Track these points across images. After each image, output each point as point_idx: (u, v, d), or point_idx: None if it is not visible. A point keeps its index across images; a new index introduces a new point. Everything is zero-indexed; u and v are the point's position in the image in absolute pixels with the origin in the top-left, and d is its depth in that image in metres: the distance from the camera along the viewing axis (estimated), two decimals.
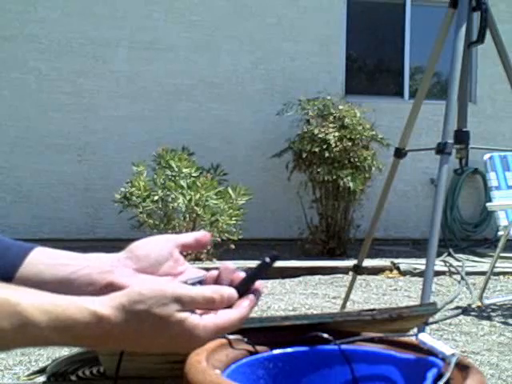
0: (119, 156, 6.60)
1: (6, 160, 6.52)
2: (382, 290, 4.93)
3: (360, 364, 0.78)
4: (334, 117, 6.17)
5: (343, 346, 0.79)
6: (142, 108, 6.72)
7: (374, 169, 6.15)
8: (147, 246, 0.88)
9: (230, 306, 0.73)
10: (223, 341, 0.77)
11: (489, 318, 4.09)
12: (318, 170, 6.02)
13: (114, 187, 5.62)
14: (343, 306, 3.79)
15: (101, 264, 0.86)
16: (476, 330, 3.80)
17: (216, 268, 0.85)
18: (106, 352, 0.83)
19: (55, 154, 6.59)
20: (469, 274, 5.34)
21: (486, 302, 4.42)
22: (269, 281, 5.00)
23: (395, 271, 5.53)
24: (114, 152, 6.66)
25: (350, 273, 4.04)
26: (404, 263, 5.65)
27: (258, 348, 0.78)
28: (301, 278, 5.22)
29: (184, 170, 5.24)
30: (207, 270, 0.88)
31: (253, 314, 0.74)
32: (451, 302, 4.40)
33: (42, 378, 0.98)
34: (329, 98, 6.37)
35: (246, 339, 0.77)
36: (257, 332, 0.79)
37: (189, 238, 0.89)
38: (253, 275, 0.76)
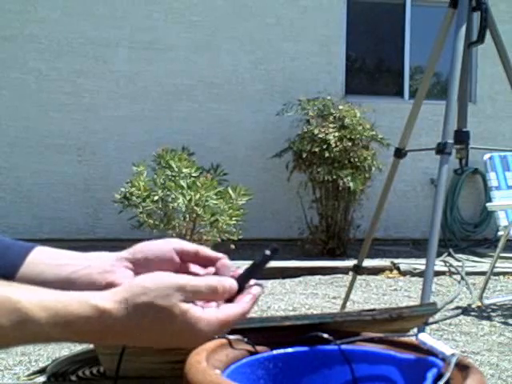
0: (119, 156, 6.60)
1: (5, 160, 6.52)
2: (382, 290, 4.93)
3: (360, 364, 0.78)
4: (334, 117, 6.17)
5: (343, 346, 0.79)
6: (142, 108, 6.72)
7: (374, 169, 6.15)
8: (148, 248, 0.88)
9: (230, 301, 0.73)
10: (223, 341, 0.77)
11: (489, 318, 4.09)
12: (318, 170, 6.02)
13: (113, 187, 5.62)
14: (343, 306, 3.79)
15: (102, 264, 0.86)
16: (476, 330, 3.80)
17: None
18: (106, 352, 0.83)
19: (55, 154, 6.59)
20: (469, 274, 5.35)
21: (486, 302, 4.43)
22: (269, 281, 5.00)
23: (395, 271, 5.53)
24: (114, 152, 6.66)
25: (350, 273, 4.04)
26: (404, 263, 5.65)
27: (258, 348, 0.78)
28: (301, 278, 5.22)
29: (184, 170, 5.23)
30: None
31: (253, 314, 0.74)
32: (451, 302, 4.40)
33: (42, 378, 0.98)
34: (329, 98, 6.37)
35: (245, 339, 0.77)
36: (257, 332, 0.79)
37: (191, 247, 0.89)
38: (253, 268, 0.76)
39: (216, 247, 5.32)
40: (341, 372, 0.78)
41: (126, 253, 0.89)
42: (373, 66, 7.61)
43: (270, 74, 6.94)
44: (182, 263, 0.87)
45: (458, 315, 4.08)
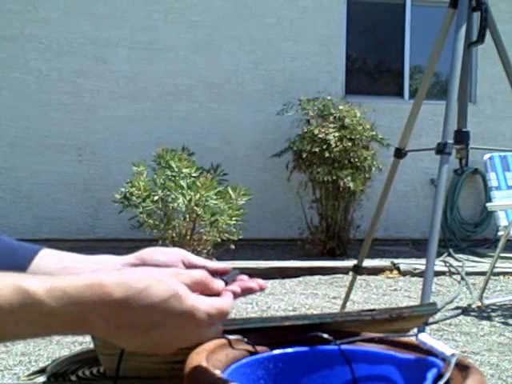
0: (119, 156, 6.60)
1: (5, 160, 6.52)
2: (382, 290, 4.93)
3: (360, 364, 0.78)
4: (334, 117, 6.17)
5: (343, 346, 0.79)
6: (142, 108, 6.72)
7: (374, 169, 6.15)
8: (155, 254, 0.88)
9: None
10: (223, 341, 0.77)
11: (489, 318, 4.09)
12: (318, 170, 6.02)
13: (113, 187, 5.62)
14: (343, 306, 3.79)
15: (108, 268, 0.86)
16: (476, 330, 3.80)
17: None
18: (106, 352, 0.83)
19: (55, 154, 6.59)
20: (469, 274, 5.35)
21: (486, 302, 4.43)
22: (269, 281, 5.01)
23: (395, 271, 5.53)
24: (114, 152, 6.66)
25: (350, 273, 4.04)
26: (404, 263, 5.65)
27: (258, 348, 0.78)
28: (301, 278, 5.22)
29: (184, 170, 5.23)
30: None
31: (253, 314, 0.74)
32: (451, 302, 4.40)
33: (42, 378, 0.98)
34: (329, 98, 6.37)
35: (245, 339, 0.77)
36: (257, 332, 0.79)
37: (199, 261, 0.88)
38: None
39: (216, 247, 5.33)
40: (341, 372, 0.78)
41: (133, 258, 0.89)
42: (373, 65, 7.61)
43: (270, 74, 6.94)
44: None
45: (458, 315, 4.08)
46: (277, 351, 0.78)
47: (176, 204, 5.06)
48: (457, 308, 4.30)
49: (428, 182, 7.16)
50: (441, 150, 2.79)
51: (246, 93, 6.90)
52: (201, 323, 0.69)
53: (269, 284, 4.93)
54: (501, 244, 4.25)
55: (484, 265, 5.54)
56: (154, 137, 6.50)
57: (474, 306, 4.35)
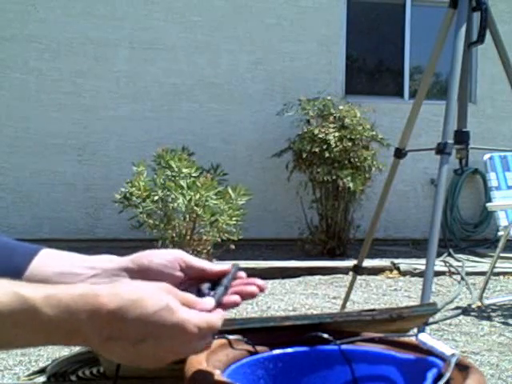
0: (119, 156, 6.60)
1: (5, 160, 6.52)
2: (382, 290, 4.93)
3: (360, 364, 0.78)
4: (334, 117, 6.17)
5: (343, 346, 0.79)
6: (142, 108, 6.72)
7: (374, 169, 6.15)
8: (151, 258, 0.88)
9: None
10: (223, 341, 0.77)
11: (489, 318, 4.09)
12: (318, 170, 6.02)
13: (114, 187, 5.62)
14: (343, 306, 3.79)
15: (106, 274, 0.86)
16: (476, 330, 3.80)
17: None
18: None
19: (55, 154, 6.59)
20: (469, 274, 5.35)
21: (486, 302, 4.43)
22: (269, 281, 5.01)
23: (395, 271, 5.53)
24: (114, 152, 6.66)
25: (350, 273, 4.04)
26: (404, 263, 5.65)
27: (258, 348, 0.78)
28: (301, 278, 5.22)
29: (184, 170, 5.23)
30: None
31: (253, 314, 0.74)
32: (451, 302, 4.40)
33: (42, 378, 0.98)
34: (329, 98, 6.37)
35: (245, 339, 0.77)
36: (257, 332, 0.79)
37: (198, 263, 0.88)
38: (225, 289, 0.82)
39: (216, 247, 5.33)
40: (341, 372, 0.78)
41: (129, 261, 0.88)
42: (373, 66, 7.61)
43: (269, 74, 6.94)
44: (185, 278, 0.87)
45: (458, 315, 4.08)
46: (277, 351, 0.78)
47: (176, 204, 5.06)
48: (457, 308, 4.30)
49: (428, 182, 7.16)
50: (441, 149, 2.79)
51: (246, 93, 6.90)
52: (191, 336, 0.70)
53: (269, 284, 4.93)
54: (501, 244, 4.25)
55: (484, 265, 5.54)
56: (154, 137, 6.50)
57: (473, 306, 4.35)
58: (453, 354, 0.72)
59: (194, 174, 5.24)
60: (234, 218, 5.15)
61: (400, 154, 3.32)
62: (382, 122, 6.60)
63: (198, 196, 5.02)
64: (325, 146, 5.97)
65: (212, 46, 6.85)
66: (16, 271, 0.85)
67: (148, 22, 6.74)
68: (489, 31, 2.96)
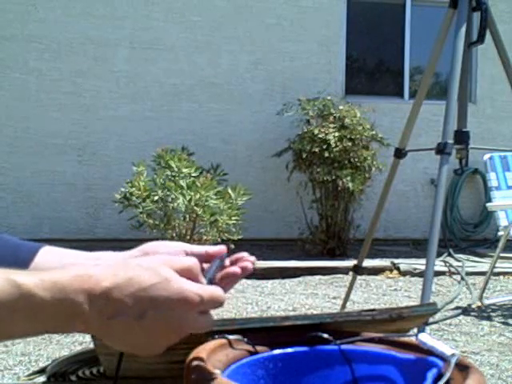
0: (119, 156, 6.60)
1: (5, 160, 6.52)
2: (382, 290, 4.93)
3: (360, 364, 0.78)
4: (334, 117, 6.17)
5: (343, 346, 0.79)
6: (142, 108, 6.72)
7: (373, 169, 6.15)
8: (159, 248, 0.89)
9: None
10: (223, 341, 0.77)
11: (489, 318, 4.09)
12: (318, 170, 6.02)
13: (113, 187, 5.62)
14: (343, 306, 3.79)
15: (112, 263, 0.86)
16: (476, 330, 3.80)
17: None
18: (106, 352, 0.83)
19: (55, 154, 6.59)
20: (469, 274, 5.35)
21: (486, 302, 4.43)
22: (269, 281, 5.01)
23: (395, 271, 5.53)
24: (114, 152, 6.66)
25: (350, 273, 4.04)
26: (404, 263, 5.65)
27: (258, 348, 0.78)
28: (301, 278, 5.22)
29: (184, 170, 5.23)
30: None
31: (253, 314, 0.74)
32: (451, 302, 4.40)
33: (42, 378, 0.98)
34: (329, 98, 6.37)
35: (245, 339, 0.77)
36: (257, 332, 0.79)
37: (200, 248, 0.89)
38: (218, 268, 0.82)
39: None
40: (341, 372, 0.78)
41: (136, 252, 0.89)
42: (373, 65, 7.61)
43: (270, 74, 6.94)
44: None
45: (458, 315, 4.08)
46: (277, 351, 0.78)
47: (176, 204, 5.06)
48: (457, 308, 4.30)
49: (428, 182, 7.16)
50: (441, 149, 2.79)
51: (245, 93, 6.90)
52: (192, 305, 0.68)
53: (269, 284, 4.93)
54: (501, 244, 4.25)
55: (484, 265, 5.54)
56: (154, 137, 6.50)
57: (473, 306, 4.35)
58: (453, 354, 0.72)
59: (193, 174, 5.25)
60: (233, 218, 5.15)
61: (400, 154, 3.32)
62: (382, 122, 6.60)
63: (197, 196, 5.02)
64: (325, 146, 5.97)
65: (212, 45, 6.85)
66: (20, 267, 0.85)
67: (148, 22, 6.74)
68: (489, 31, 2.96)
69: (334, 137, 5.97)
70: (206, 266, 0.86)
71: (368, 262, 4.29)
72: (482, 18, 2.90)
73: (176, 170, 5.22)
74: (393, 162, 3.37)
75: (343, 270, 5.33)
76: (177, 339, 0.70)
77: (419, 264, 5.37)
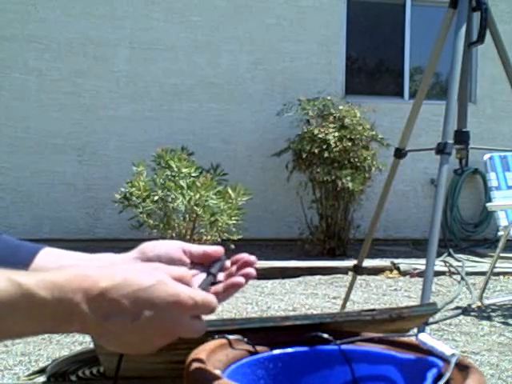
0: (119, 156, 6.60)
1: (5, 160, 6.52)
2: (382, 290, 4.93)
3: (360, 364, 0.78)
4: (334, 117, 6.17)
5: (343, 346, 0.79)
6: (142, 108, 6.72)
7: (373, 169, 6.15)
8: (158, 247, 0.89)
9: None
10: (223, 341, 0.77)
11: (489, 318, 4.09)
12: (318, 170, 6.02)
13: (114, 187, 5.62)
14: (343, 306, 3.79)
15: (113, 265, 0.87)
16: (476, 330, 3.80)
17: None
18: (106, 352, 0.83)
19: (55, 154, 6.59)
20: (469, 274, 5.35)
21: (486, 302, 4.43)
22: (269, 281, 5.01)
23: (395, 271, 5.52)
24: (114, 152, 6.66)
25: (350, 273, 4.04)
26: (404, 263, 5.65)
27: (258, 348, 0.78)
28: (301, 278, 5.22)
29: (184, 170, 5.24)
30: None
31: (253, 314, 0.74)
32: (451, 302, 4.40)
33: (42, 378, 0.98)
34: (329, 98, 6.37)
35: (245, 339, 0.77)
36: (257, 332, 0.79)
37: (198, 248, 0.90)
38: (210, 279, 0.84)
39: None
40: (341, 372, 0.78)
41: (135, 253, 0.89)
42: (373, 65, 7.61)
43: (270, 74, 6.94)
44: (191, 265, 0.89)
45: (458, 315, 4.08)
46: (277, 351, 0.78)
47: (176, 204, 5.07)
48: (457, 308, 4.30)
49: (428, 182, 7.16)
50: (441, 149, 2.79)
51: (246, 93, 6.90)
52: (186, 308, 0.69)
53: (269, 284, 4.93)
54: (501, 244, 4.24)
55: (484, 265, 5.54)
56: (154, 137, 6.50)
57: (473, 306, 4.35)
58: (453, 354, 0.72)
59: (193, 174, 5.25)
60: (233, 218, 5.15)
61: (400, 154, 3.32)
62: (382, 122, 6.60)
63: (197, 196, 5.02)
64: (324, 146, 5.97)
65: (212, 45, 6.85)
66: (19, 268, 0.85)
67: (148, 22, 6.74)
68: (489, 31, 2.96)
69: (334, 137, 5.96)
70: (198, 275, 0.87)
71: (368, 262, 4.29)
72: (482, 17, 2.90)
73: (176, 170, 5.22)
74: (393, 162, 3.37)
75: (343, 270, 5.33)
76: (169, 341, 0.71)
77: (419, 264, 5.37)
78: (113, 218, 6.17)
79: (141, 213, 5.25)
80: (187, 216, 5.19)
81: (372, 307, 3.82)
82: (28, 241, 0.94)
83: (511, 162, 4.74)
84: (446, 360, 0.72)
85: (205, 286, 0.80)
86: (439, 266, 5.34)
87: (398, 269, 5.54)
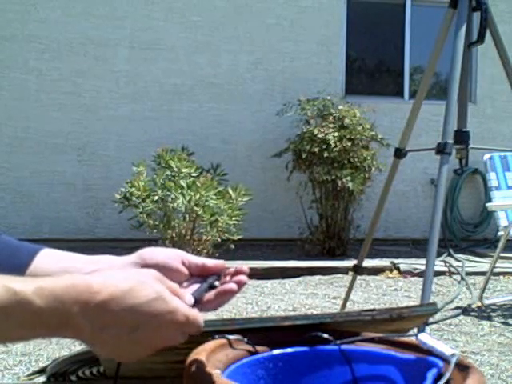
0: (119, 156, 6.60)
1: (6, 160, 6.52)
2: (382, 290, 4.93)
3: (360, 364, 0.78)
4: (334, 117, 6.17)
5: (343, 346, 0.79)
6: (142, 108, 6.72)
7: (373, 169, 6.15)
8: (156, 255, 0.89)
9: None
10: (223, 341, 0.77)
11: (489, 318, 4.09)
12: (318, 170, 6.02)
13: (114, 187, 5.62)
14: (343, 306, 3.79)
15: (110, 268, 0.86)
16: (476, 330, 3.80)
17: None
18: None
19: (55, 154, 6.59)
20: (469, 274, 5.34)
21: (486, 302, 4.43)
22: (269, 281, 5.01)
23: (395, 271, 5.52)
24: (114, 152, 6.66)
25: (350, 273, 4.04)
26: (404, 263, 5.65)
27: (258, 348, 0.78)
28: (301, 278, 5.22)
29: (184, 170, 5.24)
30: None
31: (253, 314, 0.75)
32: (451, 302, 4.40)
33: (42, 378, 0.98)
34: (329, 98, 6.37)
35: (245, 339, 0.77)
36: (257, 332, 0.79)
37: (198, 259, 0.89)
38: (208, 288, 0.85)
39: (216, 247, 5.33)
40: (341, 372, 0.78)
41: (134, 257, 0.89)
42: (373, 65, 7.61)
43: (269, 74, 6.94)
44: (189, 275, 0.88)
45: (458, 315, 4.08)
46: (277, 351, 0.78)
47: (176, 204, 5.06)
48: (457, 308, 4.30)
49: (428, 182, 7.16)
50: (441, 150, 2.79)
51: (246, 93, 6.90)
52: (179, 325, 0.72)
53: (269, 284, 4.93)
54: (501, 244, 4.24)
55: (484, 265, 5.54)
56: (154, 137, 6.50)
57: (473, 306, 4.35)
58: (453, 354, 0.72)
59: (193, 174, 5.25)
60: (233, 218, 5.15)
61: (400, 154, 3.32)
62: (382, 122, 6.60)
63: (197, 196, 5.02)
64: (324, 146, 5.97)
65: (212, 45, 6.85)
66: (19, 269, 0.85)
67: (148, 21, 6.74)
68: (489, 31, 2.96)
69: (334, 137, 5.97)
70: (191, 287, 0.86)
71: (368, 262, 4.28)
72: (482, 17, 2.90)
73: (176, 169, 5.22)
74: (393, 162, 3.37)
75: (343, 270, 5.33)
76: (155, 351, 0.73)
77: (419, 264, 5.37)
78: (113, 217, 6.17)
79: (141, 213, 5.25)
80: (187, 216, 5.19)
81: (372, 307, 3.82)
82: (28, 241, 0.94)
83: (511, 162, 4.74)
84: (446, 360, 0.72)
85: (197, 295, 0.81)
86: (439, 265, 5.34)
87: (397, 269, 5.54)
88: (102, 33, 6.66)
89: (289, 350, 0.79)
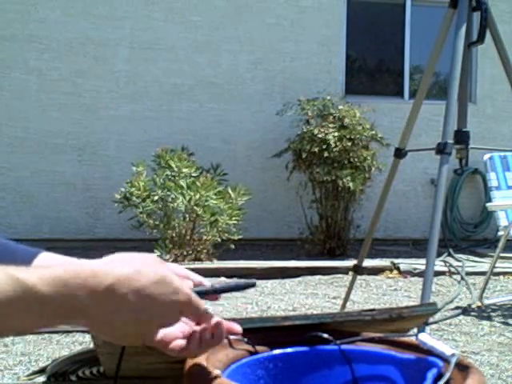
0: (119, 156, 6.60)
1: (5, 160, 6.52)
2: (382, 290, 4.93)
3: (360, 364, 0.78)
4: (334, 117, 6.17)
5: (343, 346, 0.79)
6: (142, 108, 6.72)
7: (373, 169, 6.15)
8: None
9: None
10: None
11: (489, 318, 4.09)
12: (318, 170, 6.02)
13: (114, 187, 5.63)
14: (343, 306, 3.79)
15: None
16: (476, 330, 3.80)
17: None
18: (106, 352, 0.83)
19: (55, 154, 6.59)
20: (469, 274, 5.34)
21: (486, 302, 4.42)
22: (269, 281, 5.00)
23: (395, 271, 5.52)
24: (114, 152, 6.66)
25: (350, 273, 4.04)
26: (404, 263, 5.65)
27: (258, 348, 0.78)
28: (301, 278, 5.21)
29: (184, 170, 5.24)
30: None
31: (253, 314, 0.75)
32: (451, 302, 4.40)
33: (42, 378, 0.98)
34: (329, 98, 6.36)
35: (245, 339, 0.77)
36: (257, 332, 0.79)
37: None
38: (231, 289, 0.83)
39: (216, 247, 5.33)
40: (341, 372, 0.78)
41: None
42: (373, 65, 7.61)
43: (269, 74, 6.94)
44: None
45: (457, 315, 4.08)
46: (277, 351, 0.78)
47: (176, 204, 5.07)
48: (457, 308, 4.30)
49: (428, 181, 7.15)
50: (441, 150, 2.79)
51: (245, 93, 6.90)
52: (181, 304, 0.73)
53: (269, 284, 4.93)
54: (501, 244, 4.24)
55: (484, 265, 5.54)
56: (154, 137, 6.50)
57: (473, 306, 4.35)
58: (453, 354, 0.72)
59: (193, 174, 5.25)
60: (233, 218, 5.16)
61: (400, 153, 3.32)
62: (382, 121, 6.60)
63: (197, 196, 5.03)
64: (324, 146, 5.97)
65: (212, 45, 6.85)
66: None
67: (148, 22, 6.74)
68: (489, 31, 2.96)
69: (334, 137, 5.97)
70: None
71: (368, 262, 4.28)
72: (482, 17, 2.90)
73: (176, 169, 5.22)
74: (393, 162, 3.37)
75: (343, 270, 5.33)
76: (159, 329, 0.74)
77: (419, 264, 5.37)
78: (113, 217, 6.17)
79: (141, 213, 5.26)
80: (187, 216, 5.19)
81: (372, 307, 3.82)
82: (28, 241, 0.94)
83: (511, 162, 4.74)
84: (446, 360, 0.72)
85: (219, 286, 0.82)
86: (439, 265, 5.34)
87: (397, 269, 5.54)
88: (102, 33, 6.66)
89: (289, 350, 0.79)
